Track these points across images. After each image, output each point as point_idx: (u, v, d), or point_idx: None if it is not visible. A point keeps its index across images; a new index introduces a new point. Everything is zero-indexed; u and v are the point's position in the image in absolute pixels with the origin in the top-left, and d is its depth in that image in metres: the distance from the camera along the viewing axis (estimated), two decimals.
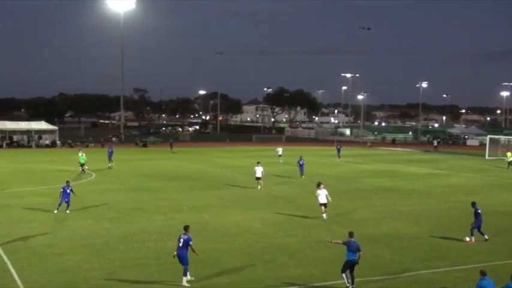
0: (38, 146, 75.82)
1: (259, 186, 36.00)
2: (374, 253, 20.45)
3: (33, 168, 43.90)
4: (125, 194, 34.16)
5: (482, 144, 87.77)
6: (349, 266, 16.43)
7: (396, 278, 17.67)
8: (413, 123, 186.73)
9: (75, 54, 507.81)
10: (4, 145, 75.04)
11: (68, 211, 27.10)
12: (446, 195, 35.86)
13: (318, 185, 26.70)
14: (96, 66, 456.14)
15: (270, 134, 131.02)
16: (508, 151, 58.28)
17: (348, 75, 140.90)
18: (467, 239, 22.43)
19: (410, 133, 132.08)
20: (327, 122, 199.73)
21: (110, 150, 51.14)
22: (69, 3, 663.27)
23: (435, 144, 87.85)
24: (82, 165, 44.80)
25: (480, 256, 20.42)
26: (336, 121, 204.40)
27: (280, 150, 59.04)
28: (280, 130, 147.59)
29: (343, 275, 16.38)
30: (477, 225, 22.60)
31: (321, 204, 26.15)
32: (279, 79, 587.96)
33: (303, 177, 42.00)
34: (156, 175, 44.33)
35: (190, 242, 16.77)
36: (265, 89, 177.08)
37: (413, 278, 17.69)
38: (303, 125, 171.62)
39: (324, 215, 26.09)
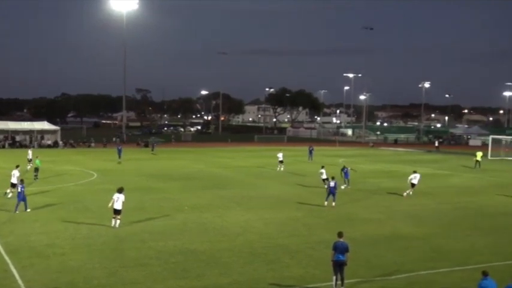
0: (40, 146, 75.86)
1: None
2: (376, 254, 20.45)
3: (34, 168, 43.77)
4: (125, 194, 33.97)
5: (484, 144, 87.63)
6: (336, 267, 16.23)
7: (397, 278, 17.63)
8: (416, 123, 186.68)
9: (77, 54, 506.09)
10: (6, 145, 75.17)
11: (28, 210, 27.13)
12: (448, 196, 35.79)
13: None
14: (98, 67, 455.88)
15: (271, 134, 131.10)
16: (478, 151, 58.07)
17: (350, 75, 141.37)
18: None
19: (418, 133, 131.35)
20: (329, 122, 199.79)
21: (119, 148, 52.79)
22: (71, 3, 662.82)
23: (436, 144, 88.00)
24: (36, 170, 40.23)
25: (482, 257, 20.37)
26: (338, 121, 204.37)
27: (280, 155, 50.58)
28: (282, 130, 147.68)
29: (334, 277, 16.27)
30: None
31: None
32: (281, 79, 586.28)
33: (349, 186, 37.77)
34: (158, 175, 44.30)
35: None
36: (267, 89, 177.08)
37: (414, 279, 17.63)
38: (305, 125, 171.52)
39: None
